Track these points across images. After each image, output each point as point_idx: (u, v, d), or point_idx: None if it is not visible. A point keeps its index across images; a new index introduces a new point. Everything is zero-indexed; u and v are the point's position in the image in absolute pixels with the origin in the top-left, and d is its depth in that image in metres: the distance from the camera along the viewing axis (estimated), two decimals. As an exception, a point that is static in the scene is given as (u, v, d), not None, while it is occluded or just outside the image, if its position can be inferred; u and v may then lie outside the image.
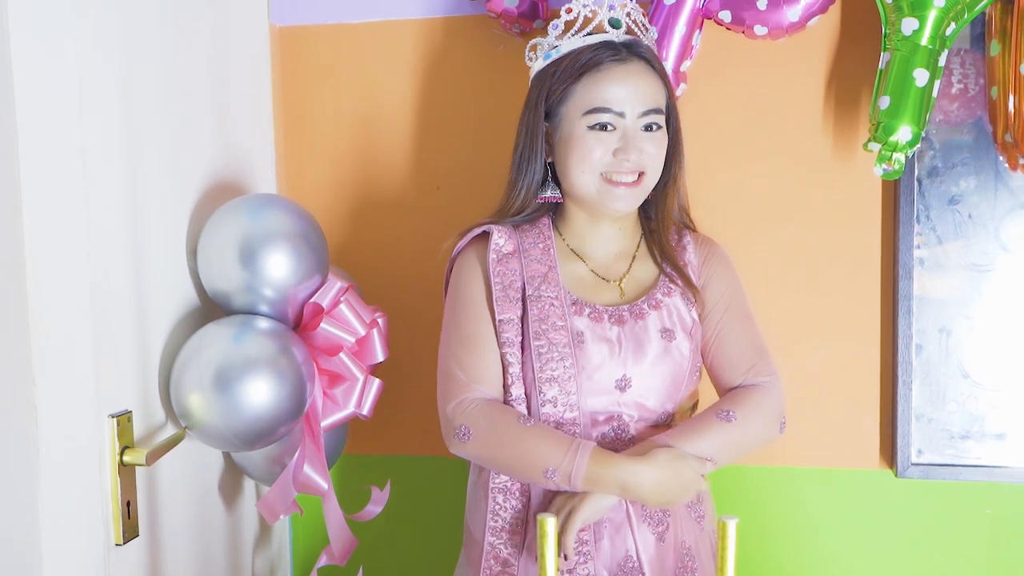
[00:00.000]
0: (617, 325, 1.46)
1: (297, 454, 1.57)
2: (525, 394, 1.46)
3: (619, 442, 1.45)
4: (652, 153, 1.44)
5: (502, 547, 1.45)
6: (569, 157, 1.45)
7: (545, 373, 1.43)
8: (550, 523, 0.83)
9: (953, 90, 1.73)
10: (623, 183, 1.44)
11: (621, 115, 1.42)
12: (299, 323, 1.59)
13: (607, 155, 1.43)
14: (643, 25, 1.49)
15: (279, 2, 1.94)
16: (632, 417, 1.46)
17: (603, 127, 1.43)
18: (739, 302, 1.56)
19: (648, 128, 1.44)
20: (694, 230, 1.61)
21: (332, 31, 1.94)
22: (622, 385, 1.45)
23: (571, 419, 1.43)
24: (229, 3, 1.74)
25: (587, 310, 1.46)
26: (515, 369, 1.46)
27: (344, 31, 1.94)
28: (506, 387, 1.47)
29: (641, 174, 1.45)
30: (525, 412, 1.45)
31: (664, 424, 1.49)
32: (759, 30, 1.66)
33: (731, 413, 1.44)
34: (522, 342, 1.46)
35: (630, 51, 1.45)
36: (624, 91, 1.42)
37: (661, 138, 1.46)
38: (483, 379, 1.46)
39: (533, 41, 1.52)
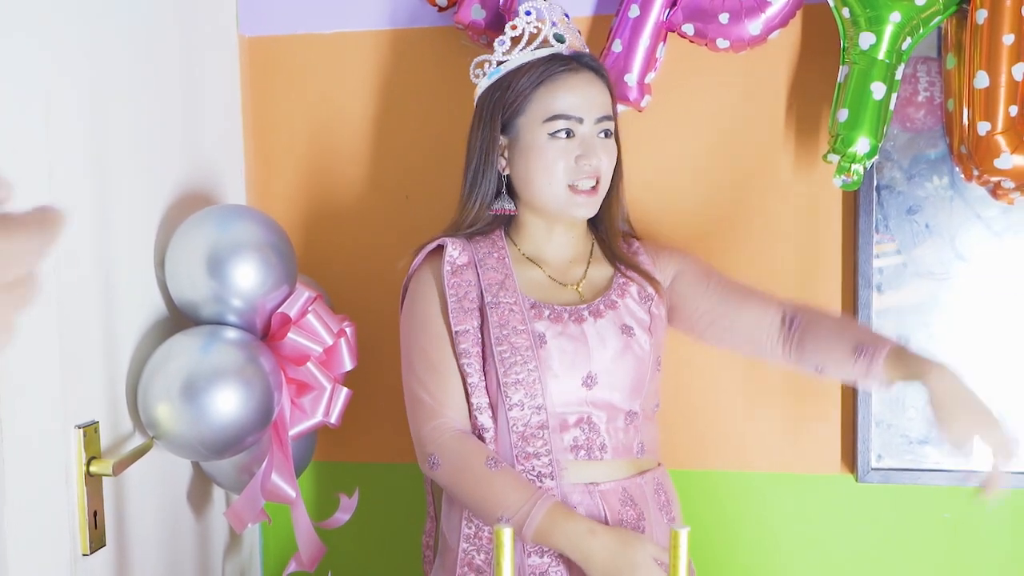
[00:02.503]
0: (577, 324, 1.48)
1: (265, 463, 1.59)
2: (489, 403, 1.48)
3: (592, 446, 1.46)
4: (606, 160, 1.49)
5: (475, 553, 1.47)
6: (532, 167, 1.48)
7: (510, 377, 1.45)
8: (506, 534, 0.85)
9: (919, 98, 1.76)
10: (583, 191, 1.48)
11: (580, 121, 1.47)
12: (267, 333, 1.60)
13: (571, 163, 1.47)
14: (583, 43, 1.57)
15: (248, 12, 1.95)
16: (601, 418, 1.47)
17: (565, 134, 1.47)
18: (711, 268, 1.63)
19: (603, 135, 1.49)
20: (636, 236, 1.66)
21: (301, 41, 1.96)
22: (588, 383, 1.46)
23: (539, 423, 1.44)
24: (198, 14, 1.75)
25: (547, 311, 1.48)
26: (474, 379, 1.47)
27: (314, 42, 1.95)
28: (467, 397, 1.48)
29: (598, 180, 1.49)
30: (491, 425, 1.47)
31: (632, 426, 1.50)
32: (721, 43, 1.69)
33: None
34: (482, 352, 1.48)
35: (579, 62, 1.50)
36: (579, 99, 1.47)
37: (613, 146, 1.52)
38: (450, 403, 1.48)
39: (479, 59, 1.55)
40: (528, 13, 1.52)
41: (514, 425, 1.45)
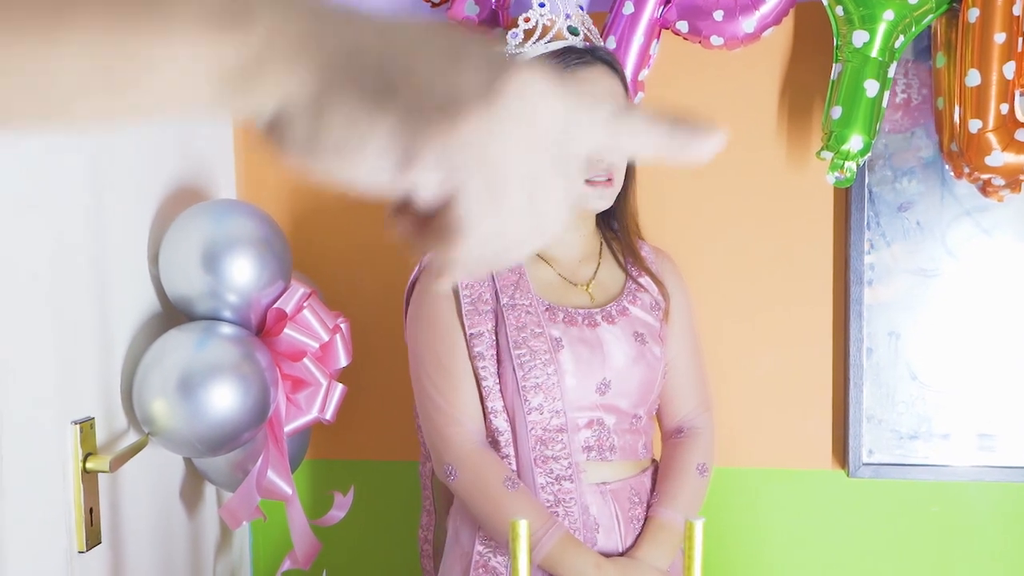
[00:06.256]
0: (591, 328, 1.47)
1: (260, 460, 1.58)
2: (505, 407, 1.46)
3: (603, 447, 1.46)
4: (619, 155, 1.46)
5: (491, 555, 1.46)
6: None
7: (529, 381, 1.43)
8: (522, 526, 0.85)
9: (897, 99, 1.78)
10: (599, 182, 1.45)
11: None
12: (262, 329, 1.59)
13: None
14: (597, 35, 1.54)
15: (239, 7, 1.93)
16: (611, 420, 1.47)
17: None
18: (691, 330, 1.60)
19: None
20: (641, 237, 1.63)
21: (293, 36, 1.94)
22: (602, 388, 1.45)
23: (558, 426, 1.43)
24: (190, 8, 1.74)
25: (561, 314, 1.47)
26: (489, 382, 1.45)
27: (305, 37, 1.94)
28: (482, 400, 1.46)
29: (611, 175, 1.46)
30: (507, 428, 1.45)
31: (636, 429, 1.50)
32: (715, 40, 1.70)
33: (705, 466, 1.51)
34: (496, 354, 1.46)
35: (594, 55, 1.47)
36: (593, 92, 1.43)
37: None
38: (465, 408, 1.45)
39: None
40: (542, 5, 1.50)
41: (533, 429, 1.43)
